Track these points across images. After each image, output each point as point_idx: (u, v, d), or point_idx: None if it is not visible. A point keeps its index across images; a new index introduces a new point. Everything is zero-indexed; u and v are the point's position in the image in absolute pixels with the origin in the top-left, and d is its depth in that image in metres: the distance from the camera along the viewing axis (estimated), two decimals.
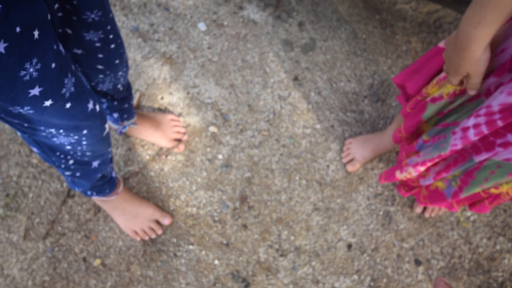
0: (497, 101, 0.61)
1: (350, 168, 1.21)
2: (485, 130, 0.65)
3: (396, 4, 1.42)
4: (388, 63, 1.35)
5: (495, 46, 0.62)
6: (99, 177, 0.90)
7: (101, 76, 0.82)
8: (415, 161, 0.84)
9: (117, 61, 0.79)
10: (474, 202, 0.88)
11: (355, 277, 1.15)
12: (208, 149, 1.23)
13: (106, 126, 0.73)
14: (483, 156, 0.71)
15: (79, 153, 0.75)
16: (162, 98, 1.27)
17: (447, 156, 0.80)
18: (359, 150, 1.20)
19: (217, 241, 1.15)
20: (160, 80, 1.28)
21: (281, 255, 1.15)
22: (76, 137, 0.67)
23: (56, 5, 0.58)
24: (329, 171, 1.23)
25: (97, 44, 0.71)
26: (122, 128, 1.11)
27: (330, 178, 1.22)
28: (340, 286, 1.14)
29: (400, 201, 1.21)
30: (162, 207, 1.17)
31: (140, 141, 1.22)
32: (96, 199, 1.08)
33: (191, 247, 1.15)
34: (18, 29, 0.42)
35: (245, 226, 1.17)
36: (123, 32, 1.32)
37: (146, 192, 1.18)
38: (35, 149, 0.73)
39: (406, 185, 1.01)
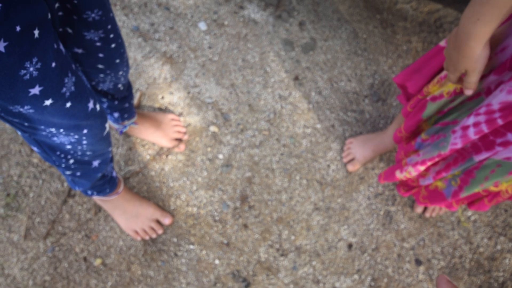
0: (497, 99, 0.61)
1: (350, 167, 1.21)
2: (485, 128, 0.65)
3: (397, 4, 1.41)
4: (389, 63, 1.35)
5: (496, 44, 0.62)
6: (99, 176, 0.90)
7: (101, 75, 0.82)
8: (415, 161, 0.84)
9: (117, 61, 0.79)
10: (473, 201, 0.88)
11: (356, 277, 1.15)
12: (209, 149, 1.23)
13: (107, 125, 0.73)
14: (483, 156, 0.71)
15: (79, 153, 0.75)
16: (162, 97, 1.27)
17: (447, 156, 0.80)
18: (360, 149, 1.19)
19: (218, 240, 1.15)
20: (161, 79, 1.28)
21: (282, 255, 1.15)
22: (76, 136, 0.67)
23: (57, 4, 0.58)
24: (329, 171, 1.23)
25: (98, 44, 0.71)
26: (123, 127, 1.11)
27: (331, 178, 1.22)
28: (341, 286, 1.14)
29: (400, 201, 1.21)
30: (163, 207, 1.17)
31: (141, 141, 1.22)
32: (96, 198, 1.08)
33: (191, 246, 1.15)
34: (18, 28, 0.42)
35: (245, 226, 1.17)
36: (123, 32, 1.32)
37: (147, 192, 1.18)
38: (35, 149, 0.73)
39: (405, 185, 1.01)
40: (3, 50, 0.42)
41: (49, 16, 0.48)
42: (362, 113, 1.29)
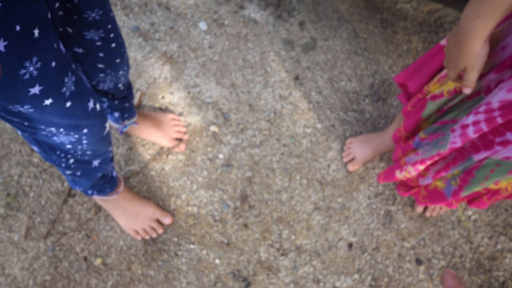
0: (497, 98, 0.61)
1: (351, 167, 1.21)
2: (484, 127, 0.65)
3: (397, 4, 1.41)
4: (389, 63, 1.35)
5: (496, 43, 0.62)
6: (99, 176, 0.90)
7: (102, 75, 0.82)
8: (414, 160, 0.83)
9: (118, 60, 0.79)
10: (473, 198, 0.88)
11: (356, 276, 1.15)
12: (209, 149, 1.23)
13: (107, 125, 0.73)
14: (482, 155, 0.71)
15: (79, 152, 0.75)
16: (163, 97, 1.27)
17: (446, 155, 0.80)
18: (360, 149, 1.19)
19: (218, 240, 1.16)
20: (161, 79, 1.28)
21: (282, 255, 1.15)
22: (76, 136, 0.67)
23: (57, 4, 0.58)
24: (330, 171, 1.23)
25: (98, 43, 0.71)
26: (123, 127, 1.11)
27: (331, 178, 1.22)
28: (341, 285, 1.14)
29: (401, 201, 1.21)
30: (163, 207, 1.18)
31: (141, 141, 1.22)
32: (97, 198, 1.08)
33: (192, 246, 1.15)
34: (18, 28, 0.42)
35: (246, 226, 1.17)
36: (124, 32, 1.32)
37: (147, 192, 1.19)
38: (35, 148, 0.73)
39: (405, 185, 1.01)
40: (3, 49, 0.42)
41: (49, 15, 0.48)
42: (363, 112, 1.29)
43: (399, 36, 1.38)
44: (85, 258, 1.12)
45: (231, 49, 1.33)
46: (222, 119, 1.26)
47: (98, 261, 1.12)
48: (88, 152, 0.77)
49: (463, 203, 1.21)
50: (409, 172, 0.86)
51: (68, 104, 0.56)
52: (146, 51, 1.31)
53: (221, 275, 1.13)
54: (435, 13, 1.40)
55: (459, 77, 0.67)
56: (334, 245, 1.17)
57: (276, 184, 1.21)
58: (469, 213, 1.21)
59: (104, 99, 0.96)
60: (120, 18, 1.34)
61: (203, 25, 1.35)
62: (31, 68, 0.46)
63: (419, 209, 1.19)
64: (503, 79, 0.62)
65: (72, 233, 1.14)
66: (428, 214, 1.19)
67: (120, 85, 0.92)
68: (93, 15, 0.64)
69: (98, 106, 0.66)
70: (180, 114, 1.26)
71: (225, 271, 1.13)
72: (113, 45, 0.74)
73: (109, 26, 0.69)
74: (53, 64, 0.49)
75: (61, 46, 0.52)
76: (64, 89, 0.54)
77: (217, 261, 1.14)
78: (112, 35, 0.71)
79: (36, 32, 0.45)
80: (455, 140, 0.71)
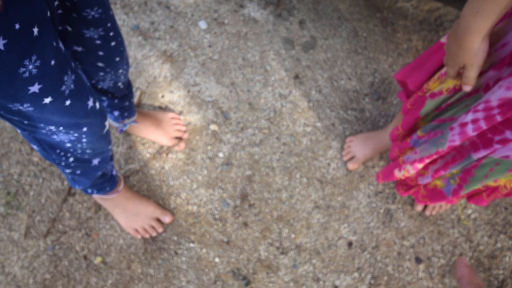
0: (496, 95, 0.61)
1: (350, 166, 1.21)
2: (483, 125, 0.65)
3: (397, 2, 1.41)
4: (389, 61, 1.35)
5: (496, 40, 0.62)
6: (99, 175, 0.90)
7: (101, 73, 0.82)
8: (413, 158, 0.83)
9: (117, 59, 0.79)
10: (472, 195, 0.88)
11: (356, 275, 1.15)
12: (209, 147, 1.23)
13: (106, 123, 0.73)
14: (481, 153, 0.71)
15: (79, 151, 0.75)
16: (162, 96, 1.27)
17: (445, 153, 0.79)
18: (360, 148, 1.19)
19: (218, 239, 1.16)
20: (161, 78, 1.28)
21: (282, 253, 1.15)
22: (76, 134, 0.67)
23: (56, 2, 0.58)
24: (329, 169, 1.23)
25: (97, 42, 0.71)
26: (123, 126, 1.11)
27: (331, 176, 1.22)
28: (341, 284, 1.14)
29: (400, 199, 1.21)
30: (163, 205, 1.18)
31: (141, 139, 1.22)
32: (96, 197, 1.08)
33: (191, 245, 1.15)
34: (17, 26, 0.42)
35: (245, 224, 1.17)
36: (123, 31, 1.32)
37: (147, 190, 1.19)
38: (35, 147, 0.73)
39: (404, 184, 1.01)
40: (2, 47, 0.42)
41: (49, 14, 0.48)
42: (362, 111, 1.29)
43: (399, 35, 1.38)
44: (85, 257, 1.12)
45: (231, 48, 1.33)
46: (222, 117, 1.26)
47: (98, 260, 1.12)
48: (88, 151, 0.77)
49: (463, 200, 1.22)
50: (408, 171, 0.86)
51: (68, 102, 0.56)
52: (146, 50, 1.31)
53: (221, 274, 1.13)
54: (435, 12, 1.40)
55: (459, 75, 0.67)
56: (334, 244, 1.17)
57: (276, 183, 1.21)
58: (469, 211, 1.21)
59: (104, 98, 0.96)
60: (120, 16, 1.34)
61: (203, 24, 1.35)
62: (31, 67, 0.46)
63: (419, 207, 1.19)
64: (502, 77, 0.62)
65: (72, 232, 1.14)
66: (427, 212, 1.19)
67: (119, 84, 0.92)
68: (93, 13, 0.64)
69: (97, 105, 0.66)
70: (180, 113, 1.26)
71: (225, 269, 1.14)
72: (113, 43, 0.74)
73: (109, 25, 0.69)
74: (53, 62, 0.49)
75: (61, 45, 0.52)
76: (64, 87, 0.54)
77: (217, 259, 1.14)
78: (111, 34, 0.71)
79: (35, 30, 0.45)
80: (453, 138, 0.71)
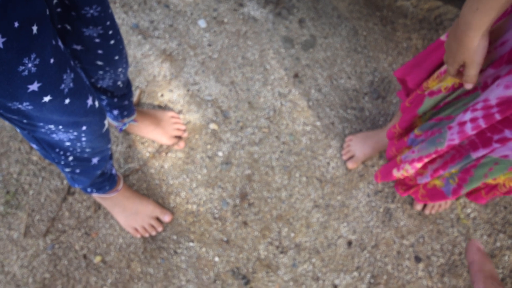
0: (495, 94, 0.61)
1: (350, 165, 1.21)
2: (482, 124, 0.65)
3: (397, 1, 1.41)
4: (389, 60, 1.35)
5: (496, 38, 0.62)
6: (99, 174, 0.90)
7: (100, 72, 0.82)
8: (411, 158, 0.83)
9: (116, 57, 0.79)
10: (471, 192, 0.88)
11: (355, 274, 1.15)
12: (208, 146, 1.23)
13: (106, 122, 0.73)
14: (481, 153, 0.71)
15: (78, 150, 0.75)
16: (162, 95, 1.27)
17: (444, 153, 0.79)
18: (360, 147, 1.19)
19: (217, 238, 1.16)
20: (160, 77, 1.28)
21: (281, 252, 1.15)
22: (75, 133, 0.67)
23: (55, 0, 0.58)
24: (329, 168, 1.23)
25: (97, 40, 0.71)
26: (122, 125, 1.11)
27: (331, 175, 1.22)
28: (340, 283, 1.14)
29: (400, 198, 1.21)
30: (162, 204, 1.18)
31: (140, 138, 1.22)
32: (96, 196, 1.08)
33: (191, 244, 1.15)
34: (16, 24, 0.42)
35: (245, 223, 1.17)
36: (123, 29, 1.32)
37: (146, 189, 1.19)
38: (34, 146, 0.73)
39: (403, 184, 1.00)
40: (1, 46, 0.42)
41: (48, 12, 0.47)
42: (362, 110, 1.29)
43: (399, 34, 1.38)
44: (85, 256, 1.12)
45: (231, 46, 1.33)
46: (221, 117, 1.26)
47: (97, 259, 1.12)
48: (87, 150, 0.77)
49: (462, 199, 1.22)
50: (407, 170, 0.86)
51: (67, 101, 0.56)
52: (146, 48, 1.30)
53: (220, 273, 1.13)
54: (435, 11, 1.40)
55: (459, 73, 0.67)
56: (333, 243, 1.17)
57: (276, 182, 1.21)
58: (468, 210, 1.21)
59: (103, 97, 0.96)
60: (119, 15, 1.33)
61: (202, 23, 1.35)
62: (30, 65, 0.46)
63: (418, 206, 1.19)
64: (500, 75, 0.62)
65: (71, 231, 1.14)
66: (427, 211, 1.19)
67: (119, 83, 0.92)
68: (91, 11, 0.64)
69: (97, 103, 0.65)
70: (180, 112, 1.25)
71: (224, 268, 1.13)
72: (112, 42, 0.74)
73: (108, 23, 0.69)
74: (52, 60, 0.49)
75: (60, 43, 0.52)
76: (63, 86, 0.54)
77: (216, 258, 1.14)
78: (110, 32, 0.71)
79: (34, 28, 0.44)
80: (452, 137, 0.71)
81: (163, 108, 1.26)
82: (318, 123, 1.27)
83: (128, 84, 0.99)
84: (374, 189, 1.21)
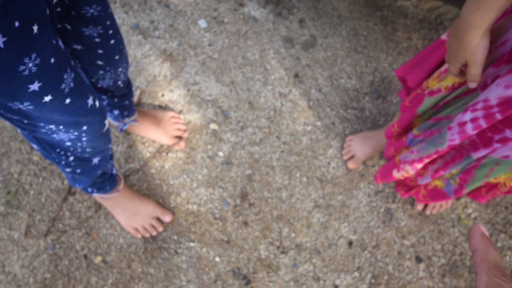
0: (495, 94, 0.61)
1: (351, 165, 1.21)
2: (483, 123, 0.64)
3: (397, 1, 1.41)
4: (389, 60, 1.35)
5: (496, 38, 0.62)
6: (99, 173, 0.90)
7: (101, 72, 0.82)
8: (411, 158, 0.83)
9: (116, 57, 0.79)
10: (472, 190, 0.88)
11: (356, 274, 1.15)
12: (209, 146, 1.23)
13: (106, 122, 0.73)
14: (481, 153, 0.71)
15: (79, 150, 0.75)
16: (162, 95, 1.27)
17: (445, 153, 0.79)
18: (360, 147, 1.19)
19: (218, 238, 1.15)
20: (161, 77, 1.28)
21: (282, 252, 1.15)
22: (76, 133, 0.67)
23: (55, 0, 0.58)
24: (330, 168, 1.22)
25: (97, 40, 0.71)
26: (123, 125, 1.11)
27: (331, 175, 1.22)
28: (341, 283, 1.14)
29: (401, 198, 1.21)
30: (163, 204, 1.17)
31: (141, 138, 1.22)
32: (96, 196, 1.08)
33: (192, 244, 1.15)
34: (17, 24, 0.42)
35: (246, 223, 1.17)
36: (123, 29, 1.32)
37: (147, 189, 1.18)
38: (35, 146, 0.73)
39: (404, 185, 1.00)
40: (2, 45, 0.42)
41: (48, 12, 0.47)
42: (362, 110, 1.29)
43: (399, 34, 1.38)
44: (85, 256, 1.12)
45: (231, 46, 1.33)
46: (222, 116, 1.26)
47: (98, 259, 1.12)
48: (88, 150, 0.77)
49: (463, 199, 1.21)
50: (407, 171, 0.85)
51: (68, 100, 0.56)
52: (146, 48, 1.30)
53: (221, 273, 1.13)
54: (435, 10, 1.40)
55: (461, 72, 0.67)
56: (334, 243, 1.17)
57: (276, 182, 1.21)
58: (469, 211, 1.21)
59: (104, 97, 0.96)
60: (120, 15, 1.33)
61: (202, 23, 1.35)
62: (30, 65, 0.46)
63: (419, 207, 1.19)
64: (500, 75, 0.62)
65: (72, 231, 1.14)
66: (428, 212, 1.19)
67: (119, 83, 0.92)
68: (91, 11, 0.64)
69: (97, 103, 0.65)
70: (180, 112, 1.25)
71: (225, 269, 1.13)
72: (112, 41, 0.74)
73: (108, 23, 0.69)
74: (52, 60, 0.49)
75: (60, 43, 0.52)
76: (63, 85, 0.54)
77: (217, 259, 1.14)
78: (110, 32, 0.71)
79: (35, 28, 0.44)
80: (453, 138, 0.71)
81: (164, 108, 1.26)
82: (318, 123, 1.27)
83: (128, 84, 0.99)
84: (374, 189, 1.21)
